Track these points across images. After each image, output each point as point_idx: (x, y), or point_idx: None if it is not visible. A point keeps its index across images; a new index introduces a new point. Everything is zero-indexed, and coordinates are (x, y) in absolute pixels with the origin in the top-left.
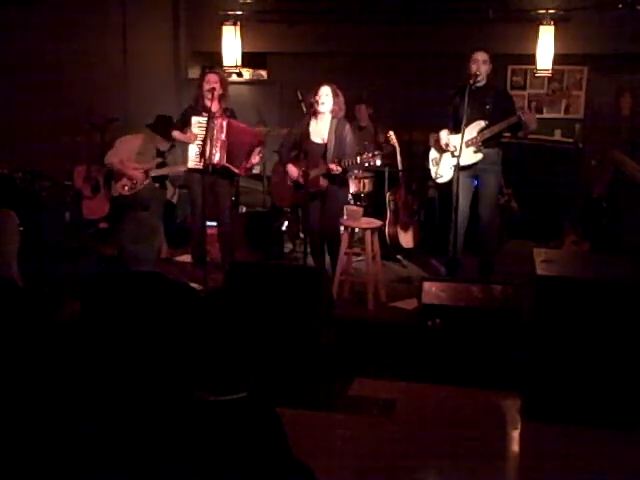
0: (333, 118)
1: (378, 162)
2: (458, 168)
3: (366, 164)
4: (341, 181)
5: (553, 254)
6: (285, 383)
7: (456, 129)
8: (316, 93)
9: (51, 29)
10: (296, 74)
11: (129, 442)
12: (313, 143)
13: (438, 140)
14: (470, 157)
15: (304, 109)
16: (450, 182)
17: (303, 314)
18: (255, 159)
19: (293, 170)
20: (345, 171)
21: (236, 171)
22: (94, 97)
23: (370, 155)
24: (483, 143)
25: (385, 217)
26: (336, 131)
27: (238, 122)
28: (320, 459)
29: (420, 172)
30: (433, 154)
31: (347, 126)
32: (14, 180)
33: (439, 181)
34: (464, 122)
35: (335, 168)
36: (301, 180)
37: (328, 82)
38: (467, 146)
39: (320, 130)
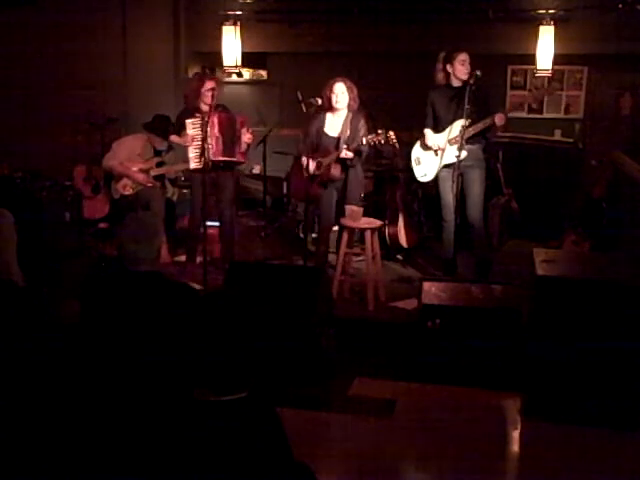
0: (349, 112)
1: (382, 140)
2: (458, 168)
3: (372, 143)
4: (352, 167)
5: (553, 254)
6: (285, 383)
7: (436, 129)
8: (331, 91)
9: (51, 29)
10: (296, 74)
11: (129, 443)
12: (327, 136)
13: (423, 139)
14: (455, 155)
15: (304, 109)
16: (434, 181)
17: (303, 314)
18: (245, 138)
19: (309, 162)
20: (358, 153)
21: (234, 159)
22: (94, 97)
23: (374, 136)
24: (466, 140)
25: (385, 217)
26: (352, 123)
27: (228, 114)
28: (320, 459)
29: None
30: (416, 153)
31: (362, 120)
32: (14, 180)
33: (422, 180)
34: (465, 121)
35: (345, 153)
36: (316, 171)
37: (340, 78)
38: (450, 144)
39: (335, 124)
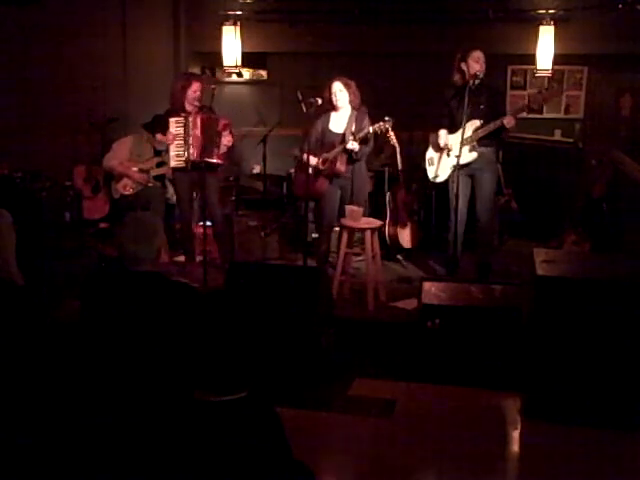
0: (353, 109)
1: (388, 127)
2: (458, 168)
3: (378, 131)
4: (360, 168)
5: (553, 254)
6: (285, 383)
7: (451, 129)
8: (329, 92)
9: (51, 29)
10: (296, 74)
11: (129, 443)
12: (332, 132)
13: (436, 139)
14: (465, 156)
15: (304, 109)
16: (446, 182)
17: (303, 314)
18: (225, 141)
19: (312, 158)
20: (364, 142)
21: (213, 161)
22: (94, 97)
23: (381, 123)
24: (478, 142)
25: (385, 217)
26: (356, 120)
27: (210, 115)
28: (320, 459)
29: (420, 172)
30: (430, 154)
31: (367, 118)
32: (14, 180)
33: (436, 181)
34: (464, 121)
35: (352, 143)
36: (320, 166)
37: (337, 77)
38: (463, 145)
39: (340, 121)
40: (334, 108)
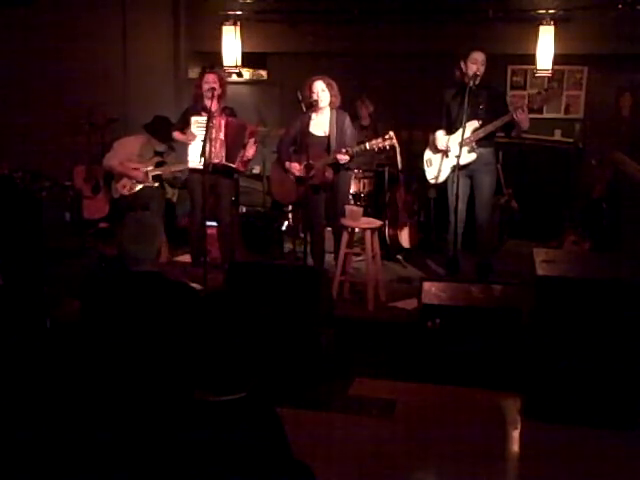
0: (332, 110)
1: (388, 144)
2: (458, 168)
3: (376, 148)
4: (344, 169)
5: (553, 254)
6: (285, 383)
7: (449, 129)
8: (310, 90)
9: (51, 29)
10: (296, 74)
11: (129, 442)
12: (314, 136)
13: (433, 141)
14: (464, 157)
15: (304, 109)
16: (445, 182)
17: (303, 314)
18: (250, 152)
19: (294, 166)
20: (352, 157)
21: (234, 166)
22: (94, 97)
23: (380, 140)
24: (477, 143)
25: (385, 217)
26: (337, 123)
27: (235, 119)
28: (320, 459)
29: (420, 172)
30: (427, 155)
31: (347, 119)
32: (14, 180)
33: (433, 182)
34: (464, 122)
35: (342, 157)
36: (304, 174)
37: (318, 76)
38: (461, 147)
39: (321, 123)
40: (314, 108)
